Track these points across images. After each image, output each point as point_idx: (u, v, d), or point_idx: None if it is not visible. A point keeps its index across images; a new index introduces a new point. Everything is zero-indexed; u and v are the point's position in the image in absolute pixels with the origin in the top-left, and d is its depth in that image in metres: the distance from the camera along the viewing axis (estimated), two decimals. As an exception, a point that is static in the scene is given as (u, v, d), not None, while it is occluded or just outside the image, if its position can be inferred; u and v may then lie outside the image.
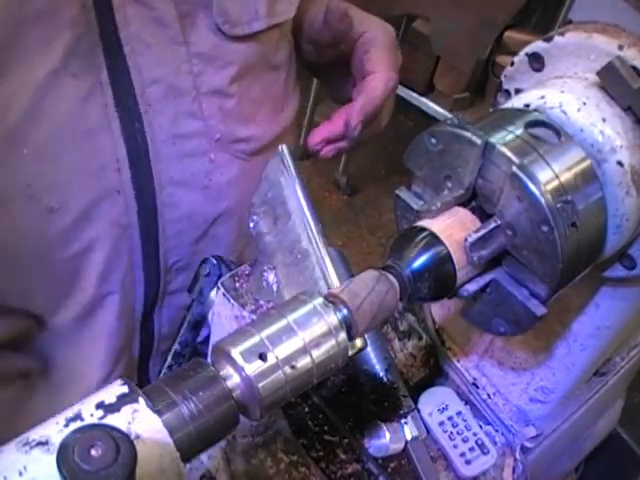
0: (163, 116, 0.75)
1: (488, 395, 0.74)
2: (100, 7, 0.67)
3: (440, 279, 0.50)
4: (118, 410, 0.38)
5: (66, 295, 0.76)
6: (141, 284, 0.81)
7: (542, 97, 0.52)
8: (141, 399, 0.38)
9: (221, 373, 0.42)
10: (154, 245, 0.80)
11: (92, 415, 0.37)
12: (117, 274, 0.78)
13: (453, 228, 0.51)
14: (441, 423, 0.71)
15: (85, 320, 0.78)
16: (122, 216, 0.75)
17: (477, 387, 0.74)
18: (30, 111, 0.66)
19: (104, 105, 0.70)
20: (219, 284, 0.72)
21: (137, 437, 0.37)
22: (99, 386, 0.85)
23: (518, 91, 0.58)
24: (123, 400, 0.38)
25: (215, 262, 0.82)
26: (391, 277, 0.49)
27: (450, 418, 0.72)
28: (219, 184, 0.84)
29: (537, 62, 0.56)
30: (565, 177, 0.48)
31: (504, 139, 0.50)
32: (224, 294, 0.70)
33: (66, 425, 0.37)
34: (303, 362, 0.43)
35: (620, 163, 0.50)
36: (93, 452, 0.33)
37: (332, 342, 0.44)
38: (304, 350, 0.43)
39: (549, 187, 0.47)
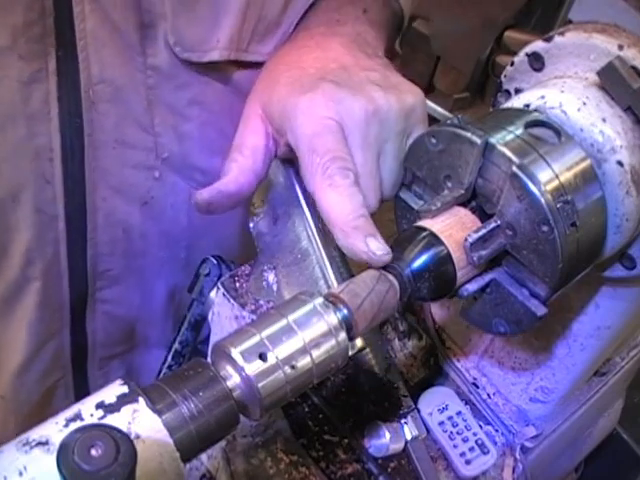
0: (106, 118, 0.73)
1: (488, 395, 0.74)
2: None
3: (440, 279, 0.50)
4: (118, 410, 0.38)
5: None
6: (66, 279, 0.80)
7: (542, 97, 0.52)
8: (141, 399, 0.38)
9: (221, 373, 0.42)
10: (81, 244, 0.79)
11: (92, 415, 0.37)
12: (41, 261, 0.77)
13: (453, 228, 0.51)
14: (441, 423, 0.71)
15: (8, 303, 0.78)
16: (49, 205, 0.75)
17: (477, 387, 0.74)
18: None
19: (46, 92, 0.69)
20: (219, 284, 0.72)
21: (137, 437, 0.37)
22: (19, 373, 0.82)
23: (518, 91, 0.58)
24: (123, 400, 0.38)
25: (215, 262, 0.82)
26: (391, 277, 0.49)
27: (450, 418, 0.72)
28: (162, 204, 0.82)
29: (537, 62, 0.56)
30: (565, 177, 0.48)
31: (504, 139, 0.50)
32: (224, 294, 0.70)
33: (66, 425, 0.37)
34: (303, 362, 0.43)
35: (620, 163, 0.50)
36: (93, 452, 0.33)
37: (332, 342, 0.44)
38: (304, 350, 0.43)
39: (549, 187, 0.47)
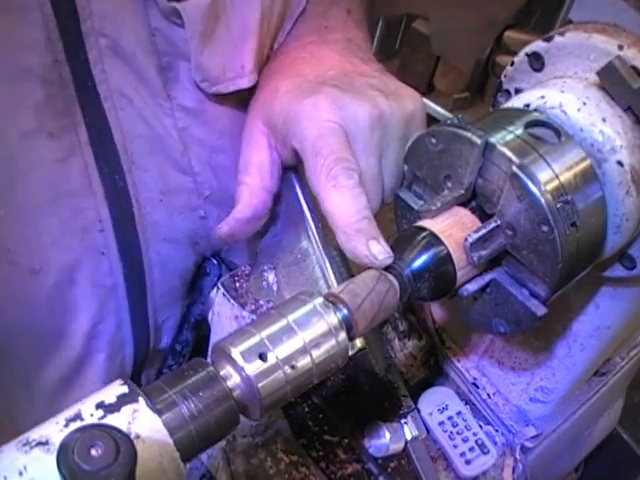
0: (148, 173, 0.71)
1: (488, 395, 0.74)
2: (74, 61, 0.62)
3: (440, 279, 0.50)
4: (118, 410, 0.38)
5: (51, 354, 0.73)
6: (130, 343, 0.79)
7: (542, 97, 0.52)
8: (141, 399, 0.38)
9: (221, 373, 0.42)
10: (142, 304, 0.77)
11: (92, 415, 0.37)
12: (104, 334, 0.76)
13: (453, 228, 0.51)
14: (441, 423, 0.71)
15: (70, 381, 0.76)
16: (107, 277, 0.73)
17: (477, 387, 0.74)
18: (4, 175, 0.62)
19: (84, 165, 0.66)
20: (219, 284, 0.72)
21: (137, 437, 0.37)
22: None
23: (518, 91, 0.58)
24: (123, 400, 0.38)
25: (215, 262, 0.82)
26: (391, 277, 0.49)
27: (450, 418, 0.72)
28: (211, 238, 0.81)
29: (537, 62, 0.56)
30: (565, 177, 0.48)
31: (504, 139, 0.50)
32: (224, 294, 0.70)
33: (66, 425, 0.37)
34: (303, 362, 0.43)
35: (620, 163, 0.50)
36: (93, 452, 0.33)
37: (332, 342, 0.44)
38: (304, 350, 0.43)
39: (549, 187, 0.47)
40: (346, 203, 0.54)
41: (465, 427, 0.72)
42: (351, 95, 0.58)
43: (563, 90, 0.52)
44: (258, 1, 0.68)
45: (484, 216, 0.52)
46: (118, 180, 0.69)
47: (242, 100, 0.73)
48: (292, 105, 0.59)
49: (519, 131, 0.50)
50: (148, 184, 0.72)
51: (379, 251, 0.51)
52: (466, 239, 0.50)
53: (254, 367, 0.42)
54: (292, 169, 0.67)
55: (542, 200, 0.47)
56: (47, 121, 0.62)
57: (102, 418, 0.37)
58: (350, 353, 0.46)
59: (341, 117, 0.57)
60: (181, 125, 0.72)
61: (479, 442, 0.71)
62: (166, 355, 0.86)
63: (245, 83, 0.71)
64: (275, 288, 0.71)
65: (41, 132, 0.63)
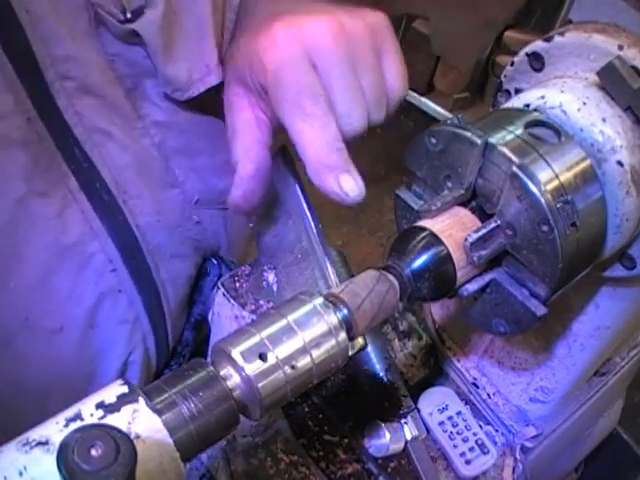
0: (142, 199, 0.71)
1: (488, 395, 0.74)
2: (46, 113, 0.61)
3: (440, 279, 0.50)
4: (118, 410, 0.38)
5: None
6: (154, 360, 0.80)
7: (542, 97, 0.52)
8: (141, 399, 0.38)
9: (221, 373, 0.42)
10: (163, 323, 0.78)
11: (92, 415, 0.37)
12: (135, 364, 0.76)
13: (453, 228, 0.51)
14: (441, 423, 0.71)
15: None
16: (128, 312, 0.73)
17: (477, 387, 0.74)
18: (6, 246, 0.62)
19: (81, 212, 0.66)
20: (219, 284, 0.73)
21: (137, 437, 0.37)
22: None
23: (518, 91, 0.58)
24: (123, 400, 0.38)
25: (215, 262, 0.83)
26: (391, 277, 0.49)
27: (450, 418, 0.72)
28: (208, 241, 0.82)
29: (537, 62, 0.56)
30: (565, 177, 0.48)
31: (504, 139, 0.50)
32: (224, 294, 0.71)
33: (66, 425, 0.37)
34: (303, 362, 0.43)
35: (620, 163, 0.50)
36: (93, 452, 0.33)
37: (332, 342, 0.44)
38: (304, 350, 0.43)
39: (549, 187, 0.47)
40: (314, 133, 0.51)
41: (465, 427, 0.72)
42: (306, 15, 0.55)
43: (563, 90, 0.52)
44: None
45: (484, 216, 0.52)
46: (117, 215, 0.69)
47: (210, 100, 0.72)
48: (249, 45, 0.57)
49: (519, 131, 0.50)
50: (144, 209, 0.72)
51: (350, 188, 0.49)
52: (466, 239, 0.50)
53: (254, 367, 0.42)
54: (291, 170, 0.67)
55: (542, 200, 0.47)
56: (36, 182, 0.62)
57: (102, 418, 0.37)
58: (350, 353, 0.46)
59: (300, 40, 0.54)
60: (158, 140, 0.71)
61: (479, 442, 0.71)
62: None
63: (213, 80, 0.70)
64: (275, 288, 0.71)
65: (32, 194, 0.62)
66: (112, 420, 0.37)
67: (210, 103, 0.73)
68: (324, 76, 0.53)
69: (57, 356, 0.69)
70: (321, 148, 0.50)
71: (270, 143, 0.61)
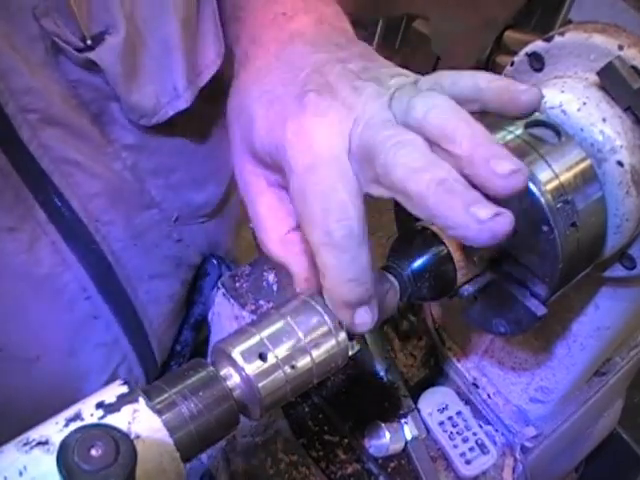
0: (115, 225, 0.70)
1: (488, 395, 0.74)
2: (9, 148, 0.59)
3: (440, 279, 0.50)
4: (118, 410, 0.38)
5: None
6: (141, 375, 0.79)
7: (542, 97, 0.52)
8: (141, 399, 0.38)
9: (221, 373, 0.42)
10: (145, 341, 0.77)
11: (92, 415, 0.37)
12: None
13: (453, 228, 0.51)
14: (441, 423, 0.71)
15: None
16: (105, 335, 0.72)
17: (477, 387, 0.74)
18: None
19: (51, 244, 0.65)
20: (219, 284, 0.73)
21: (137, 437, 0.37)
22: None
23: (518, 91, 0.58)
24: (123, 400, 0.38)
25: (215, 262, 0.83)
26: (391, 277, 0.49)
27: (450, 418, 0.72)
28: (189, 259, 0.81)
29: (537, 62, 0.56)
30: (565, 177, 0.48)
31: (504, 139, 0.50)
32: (224, 294, 0.71)
33: (66, 425, 0.37)
34: (303, 362, 0.43)
35: (620, 163, 0.50)
36: (93, 452, 0.33)
37: (332, 342, 0.44)
38: (304, 350, 0.43)
39: (549, 187, 0.47)
40: (339, 267, 0.42)
41: (465, 427, 0.72)
42: (331, 96, 0.45)
43: (563, 90, 0.52)
44: (171, 10, 0.63)
45: (484, 216, 0.52)
46: (89, 244, 0.68)
47: (185, 117, 0.70)
48: (272, 135, 0.48)
49: (519, 131, 0.50)
50: (118, 235, 0.70)
51: (362, 322, 0.44)
52: (466, 239, 0.50)
53: (254, 367, 0.42)
54: None
55: (542, 200, 0.47)
56: (2, 217, 0.60)
57: (102, 418, 0.37)
58: (350, 353, 0.46)
59: (331, 132, 0.44)
60: (130, 163, 0.70)
61: (479, 442, 0.71)
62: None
63: (182, 104, 0.66)
64: (275, 288, 0.71)
65: (1, 230, 0.61)
66: (112, 420, 0.37)
67: (181, 122, 0.71)
68: (356, 175, 0.43)
69: (35, 385, 0.69)
70: (343, 283, 0.43)
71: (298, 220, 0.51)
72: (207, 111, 0.75)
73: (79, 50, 0.60)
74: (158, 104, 0.66)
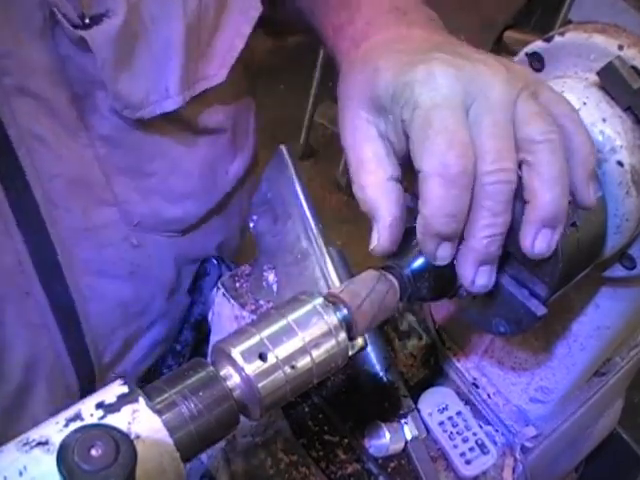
0: (70, 213, 0.69)
1: (488, 395, 0.74)
2: None
3: (440, 279, 0.50)
4: (118, 410, 0.38)
5: None
6: (72, 371, 0.78)
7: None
8: (141, 399, 0.38)
9: (221, 373, 0.42)
10: (79, 336, 0.76)
11: (92, 415, 0.37)
12: (42, 366, 0.74)
13: (453, 228, 0.51)
14: (441, 423, 0.71)
15: (12, 413, 0.75)
16: (35, 316, 0.71)
17: (477, 387, 0.74)
18: None
19: (4, 222, 0.65)
20: (219, 284, 0.73)
21: (137, 437, 0.37)
22: None
23: (518, 91, 0.58)
24: (123, 400, 0.38)
25: (215, 262, 0.83)
26: (391, 277, 0.49)
27: (450, 418, 0.72)
28: (148, 267, 0.79)
29: (537, 62, 0.56)
30: (565, 177, 0.48)
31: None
32: (224, 294, 0.71)
33: (66, 425, 0.37)
34: (303, 362, 0.43)
35: (620, 163, 0.50)
36: (93, 452, 0.33)
37: (332, 342, 0.44)
38: (304, 350, 0.43)
39: (549, 187, 0.47)
40: (444, 199, 0.45)
41: (465, 427, 0.72)
42: (462, 60, 0.49)
43: (563, 90, 0.52)
44: (180, 14, 0.64)
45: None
46: (37, 223, 0.67)
47: (170, 119, 0.70)
48: (400, 77, 0.49)
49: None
50: (71, 223, 0.70)
51: (443, 256, 0.47)
52: (466, 239, 0.50)
53: (254, 367, 0.42)
54: (291, 170, 0.67)
55: (542, 200, 0.47)
56: None
57: (102, 418, 0.37)
58: (350, 353, 0.46)
59: (458, 79, 0.47)
60: (102, 153, 0.69)
61: (479, 442, 0.71)
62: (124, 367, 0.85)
63: (170, 106, 0.67)
64: (275, 288, 0.71)
65: None
66: (112, 420, 0.37)
67: (169, 127, 0.70)
68: (476, 132, 0.46)
69: None
70: (442, 216, 0.46)
71: (401, 178, 0.53)
72: (201, 123, 0.75)
73: (75, 26, 0.60)
74: (146, 100, 0.66)
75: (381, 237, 0.50)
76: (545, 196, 0.45)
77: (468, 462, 0.69)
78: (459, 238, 0.48)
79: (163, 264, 0.81)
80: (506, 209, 0.46)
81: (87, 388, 0.80)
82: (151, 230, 0.77)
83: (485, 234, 0.46)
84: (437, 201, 0.46)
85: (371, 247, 0.51)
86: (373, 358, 0.67)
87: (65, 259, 0.71)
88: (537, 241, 0.46)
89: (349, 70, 0.57)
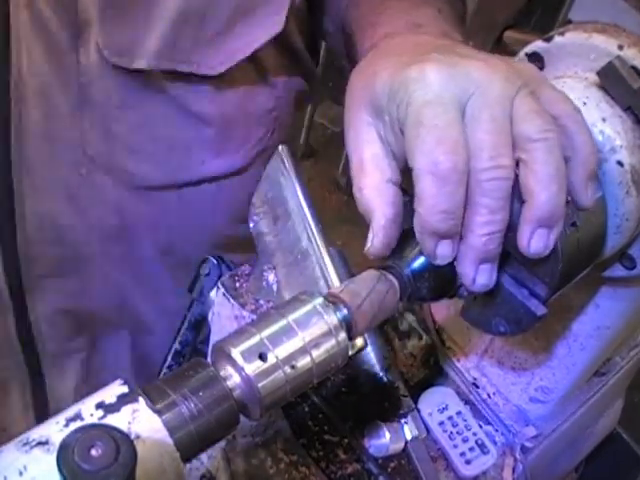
0: (35, 111, 0.73)
1: (488, 395, 0.74)
2: None
3: (440, 279, 0.50)
4: (118, 410, 0.38)
5: None
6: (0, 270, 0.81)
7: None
8: (141, 399, 0.38)
9: (221, 373, 0.42)
10: (11, 232, 0.79)
11: (92, 415, 0.37)
12: None
13: (453, 228, 0.51)
14: (441, 423, 0.71)
15: None
16: None
17: (477, 387, 0.74)
18: None
19: None
20: (219, 284, 0.72)
21: (137, 437, 0.37)
22: None
23: (518, 91, 0.58)
24: (123, 400, 0.38)
25: (215, 262, 0.82)
26: (391, 277, 0.49)
27: (450, 418, 0.72)
28: (89, 201, 0.81)
29: (537, 62, 0.56)
30: (565, 177, 0.48)
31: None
32: (224, 294, 0.70)
33: (66, 425, 0.37)
34: (303, 362, 0.43)
35: (620, 163, 0.50)
36: (93, 452, 0.33)
37: (332, 342, 0.44)
38: (304, 350, 0.43)
39: (549, 187, 0.47)
40: (437, 195, 0.46)
41: (465, 427, 0.72)
42: (459, 56, 0.50)
43: (563, 90, 0.52)
44: None
45: (484, 216, 0.52)
46: (1, 109, 0.72)
47: (151, 80, 0.73)
48: (395, 76, 0.50)
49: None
50: (31, 122, 0.73)
51: (443, 255, 0.47)
52: (466, 239, 0.50)
53: (254, 367, 0.42)
54: (291, 170, 0.67)
55: (542, 200, 0.47)
56: None
57: (102, 418, 0.37)
58: (350, 353, 0.46)
59: (452, 76, 0.48)
60: (83, 81, 0.72)
61: (479, 442, 0.71)
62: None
63: (143, 64, 0.70)
64: (275, 288, 0.71)
65: None
66: (112, 420, 0.37)
67: (146, 82, 0.74)
68: (472, 128, 0.47)
69: None
70: (437, 213, 0.46)
71: (400, 181, 0.54)
72: (175, 105, 0.77)
73: None
74: (127, 51, 0.70)
75: (375, 238, 0.51)
76: (541, 195, 0.45)
77: (468, 462, 0.69)
78: (459, 236, 0.48)
79: (105, 210, 0.83)
80: (504, 206, 0.46)
81: (18, 308, 0.84)
82: (103, 170, 0.79)
83: (483, 232, 0.46)
84: (431, 199, 0.46)
85: (365, 249, 0.52)
86: (373, 358, 0.67)
87: (15, 154, 0.74)
88: (533, 240, 0.46)
89: (355, 74, 0.58)
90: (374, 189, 0.52)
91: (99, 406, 0.38)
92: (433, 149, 0.46)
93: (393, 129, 0.51)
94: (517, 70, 0.49)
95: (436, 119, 0.46)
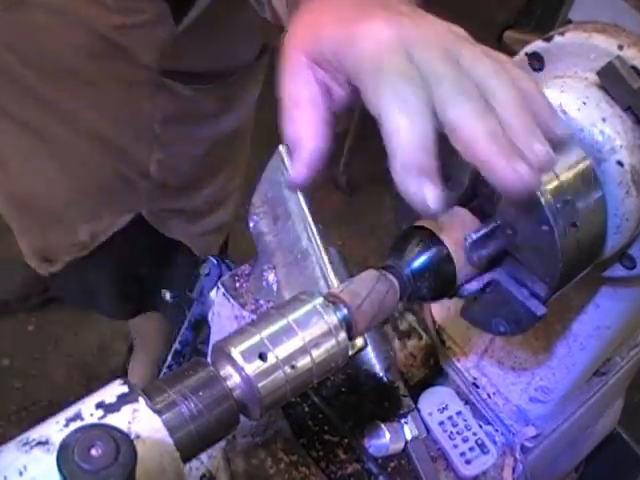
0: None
1: (488, 395, 0.74)
2: None
3: (440, 279, 0.50)
4: (118, 410, 0.38)
5: None
6: None
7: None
8: (141, 399, 0.38)
9: (221, 373, 0.42)
10: None
11: (92, 415, 0.37)
12: None
13: (453, 228, 0.51)
14: (441, 423, 0.71)
15: None
16: None
17: (477, 387, 0.74)
18: None
19: None
20: (219, 284, 0.73)
21: (137, 437, 0.37)
22: None
23: (518, 91, 0.58)
24: (123, 400, 0.38)
25: (215, 262, 0.82)
26: (391, 277, 0.49)
27: (450, 418, 0.72)
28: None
29: (537, 62, 0.56)
30: (565, 177, 0.48)
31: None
32: (224, 294, 0.70)
33: (66, 425, 0.37)
34: (303, 362, 0.43)
35: (620, 163, 0.50)
36: (93, 452, 0.33)
37: (332, 342, 0.44)
38: (304, 350, 0.43)
39: (549, 187, 0.47)
40: (409, 125, 0.46)
41: (465, 427, 0.72)
42: (400, 15, 0.52)
43: (563, 90, 0.52)
44: None
45: (484, 216, 0.52)
46: None
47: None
48: (342, 30, 0.52)
49: (519, 131, 0.50)
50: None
51: (432, 197, 0.46)
52: (466, 239, 0.50)
53: (254, 367, 0.42)
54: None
55: (542, 200, 0.47)
56: None
57: (102, 418, 0.37)
58: (350, 353, 0.46)
59: (399, 32, 0.50)
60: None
61: (479, 442, 0.71)
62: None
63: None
64: (275, 288, 0.71)
65: None
66: (112, 420, 0.37)
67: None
68: (423, 69, 0.49)
69: None
70: (414, 150, 0.47)
71: (334, 124, 0.55)
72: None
73: None
74: None
75: (299, 162, 0.52)
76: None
77: (468, 462, 0.69)
78: (440, 179, 0.47)
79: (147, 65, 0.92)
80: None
81: None
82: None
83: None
84: (405, 134, 0.46)
85: (289, 178, 0.53)
86: (373, 358, 0.67)
87: None
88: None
89: (295, 20, 0.58)
90: (307, 123, 0.53)
91: (99, 406, 0.38)
92: (400, 87, 0.47)
93: (337, 78, 0.53)
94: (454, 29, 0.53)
95: (394, 64, 0.48)
